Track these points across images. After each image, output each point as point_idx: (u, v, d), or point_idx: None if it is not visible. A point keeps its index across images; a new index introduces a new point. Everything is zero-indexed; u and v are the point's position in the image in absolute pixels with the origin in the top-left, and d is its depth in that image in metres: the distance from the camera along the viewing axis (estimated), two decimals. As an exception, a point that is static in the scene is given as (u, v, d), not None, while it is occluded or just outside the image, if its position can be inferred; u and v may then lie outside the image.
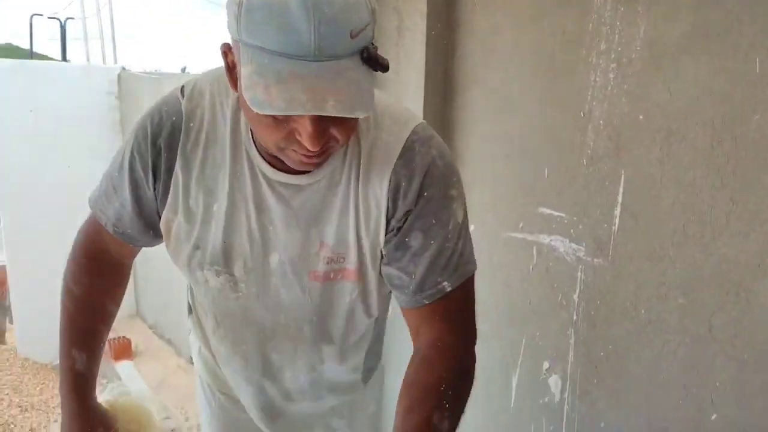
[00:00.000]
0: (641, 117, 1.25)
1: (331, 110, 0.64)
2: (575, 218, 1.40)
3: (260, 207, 0.88)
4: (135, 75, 3.94)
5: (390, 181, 0.85)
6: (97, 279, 1.04)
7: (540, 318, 1.52)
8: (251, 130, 0.85)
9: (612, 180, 1.32)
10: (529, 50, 1.46)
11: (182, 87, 0.90)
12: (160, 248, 1.00)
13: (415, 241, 0.87)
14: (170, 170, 0.88)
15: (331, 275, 0.92)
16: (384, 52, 0.93)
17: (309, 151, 0.72)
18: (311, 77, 0.62)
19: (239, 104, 0.85)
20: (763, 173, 1.08)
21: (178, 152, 0.87)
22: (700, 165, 1.17)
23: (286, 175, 0.86)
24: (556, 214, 1.44)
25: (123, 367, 3.95)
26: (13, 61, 4.09)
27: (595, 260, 1.37)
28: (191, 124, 0.87)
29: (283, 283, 0.93)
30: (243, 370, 1.07)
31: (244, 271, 0.92)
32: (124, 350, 4.03)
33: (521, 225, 1.53)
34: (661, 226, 1.24)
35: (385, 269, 0.91)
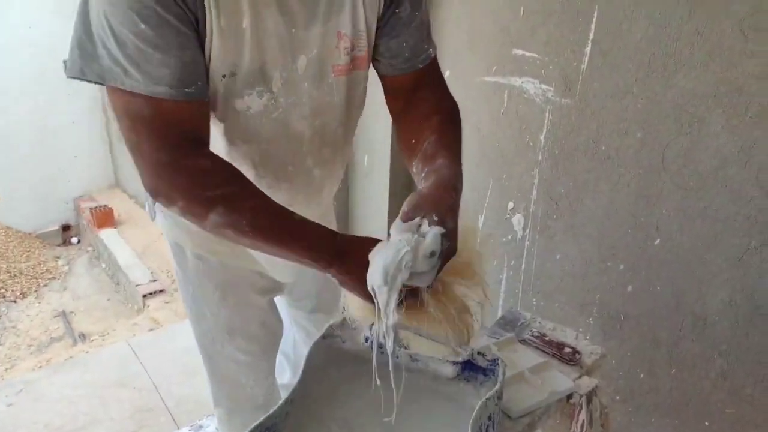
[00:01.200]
0: (619, -53, 1.23)
1: None
2: (547, 59, 1.42)
3: (284, 9, 0.84)
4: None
5: None
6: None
7: (507, 160, 1.58)
8: None
9: (585, 16, 1.32)
10: None
11: None
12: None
13: (405, 11, 0.94)
14: None
15: (351, 66, 0.95)
16: None
17: None
18: None
19: None
20: (731, 2, 1.10)
21: None
22: (670, -4, 1.17)
23: None
24: (529, 55, 1.45)
25: (107, 234, 4.05)
26: None
27: (563, 100, 1.41)
28: None
29: (313, 84, 0.93)
30: (287, 198, 0.99)
31: (281, 83, 0.88)
32: (107, 218, 4.11)
33: (494, 68, 1.54)
34: (628, 62, 1.27)
35: (383, 41, 0.97)
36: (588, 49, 1.33)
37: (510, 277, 1.68)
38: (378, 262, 0.73)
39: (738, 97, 1.12)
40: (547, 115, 1.45)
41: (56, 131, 4.27)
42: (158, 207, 1.16)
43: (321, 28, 0.89)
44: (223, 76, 0.83)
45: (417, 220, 0.75)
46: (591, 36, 1.32)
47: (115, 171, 4.66)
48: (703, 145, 1.20)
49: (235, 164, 0.89)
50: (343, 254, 0.81)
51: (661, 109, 1.24)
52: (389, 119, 1.05)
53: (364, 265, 0.77)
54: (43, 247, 4.41)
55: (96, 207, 4.21)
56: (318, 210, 1.11)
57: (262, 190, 0.89)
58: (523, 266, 1.63)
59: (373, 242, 0.81)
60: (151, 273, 3.68)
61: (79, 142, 4.45)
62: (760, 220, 1.14)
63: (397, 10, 0.94)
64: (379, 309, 0.76)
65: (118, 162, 4.60)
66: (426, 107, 0.98)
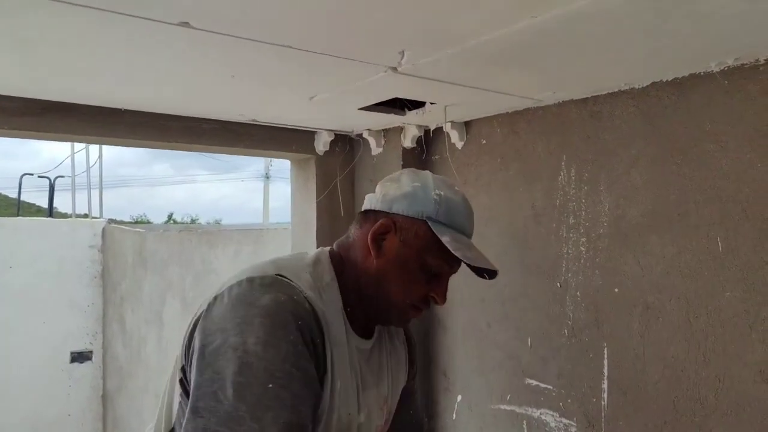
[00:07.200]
0: (616, 290, 1.27)
1: (492, 266, 0.95)
2: (563, 391, 1.36)
3: (358, 375, 0.98)
4: (120, 228, 4.00)
5: (404, 332, 1.13)
6: None
7: (537, 501, 1.41)
8: (355, 303, 0.97)
9: (595, 353, 1.30)
10: (502, 221, 1.52)
11: (293, 287, 0.88)
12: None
13: (414, 384, 1.15)
14: (325, 360, 0.90)
15: (383, 428, 1.07)
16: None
17: (429, 305, 0.98)
18: (475, 248, 0.97)
19: (380, 272, 0.95)
20: (745, 351, 1.08)
21: (325, 341, 0.90)
22: (680, 340, 1.17)
23: (363, 340, 0.99)
24: (543, 386, 1.40)
25: None
26: (-2, 219, 4.15)
27: (589, 437, 1.31)
28: (320, 317, 0.89)
29: None
30: None
31: None
32: None
33: (509, 396, 1.48)
34: (651, 402, 1.21)
35: (406, 414, 1.13)
36: (605, 386, 1.28)
37: None
38: None
39: (785, 454, 1.03)
40: (574, 453, 1.33)
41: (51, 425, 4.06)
42: None
43: (375, 391, 1.02)
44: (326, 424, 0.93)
45: None
46: (606, 372, 1.28)
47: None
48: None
49: None
50: None
51: (701, 457, 1.13)
52: None
53: None
54: None
55: None
56: None
57: None
58: None
59: None
60: None
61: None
62: None
63: (413, 382, 1.16)
64: None
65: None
66: None
